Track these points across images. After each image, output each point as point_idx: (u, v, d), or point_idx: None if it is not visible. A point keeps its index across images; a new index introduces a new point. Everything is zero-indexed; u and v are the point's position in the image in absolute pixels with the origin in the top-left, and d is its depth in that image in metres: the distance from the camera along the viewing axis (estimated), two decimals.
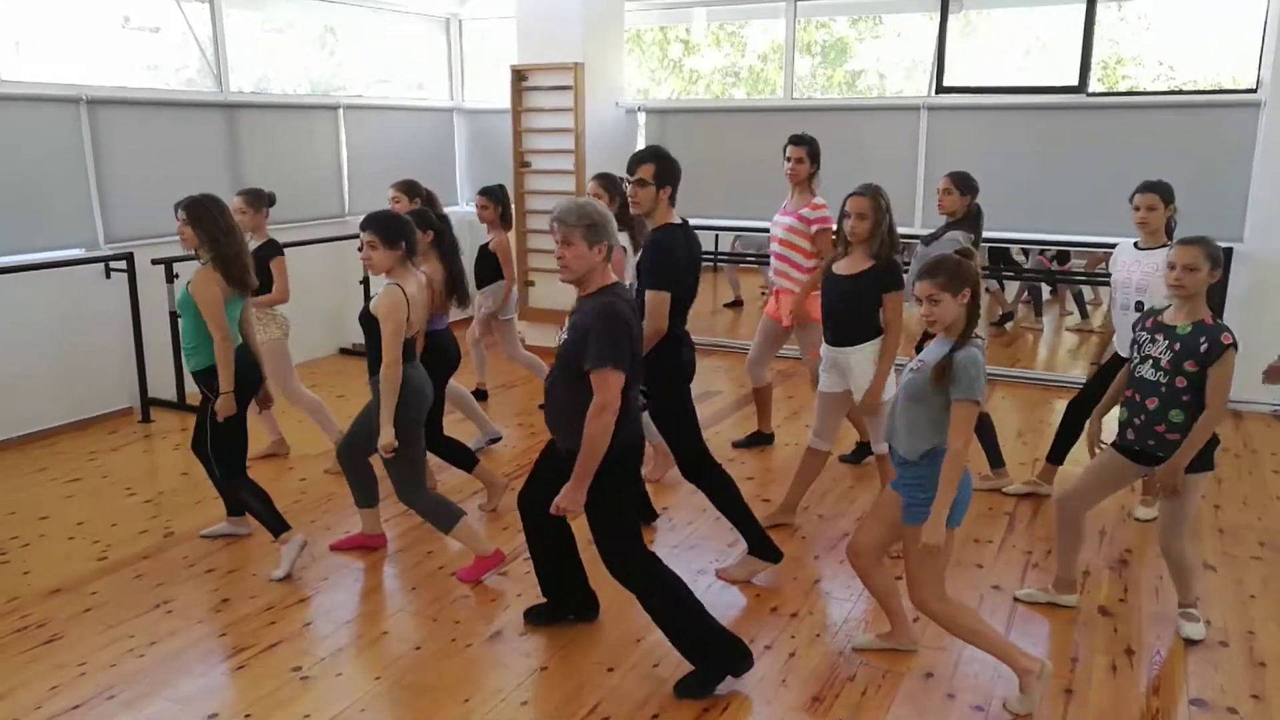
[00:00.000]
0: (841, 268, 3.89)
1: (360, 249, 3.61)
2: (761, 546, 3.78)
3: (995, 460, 4.74)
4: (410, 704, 3.00)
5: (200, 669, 3.18)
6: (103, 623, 3.47)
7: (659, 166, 3.65)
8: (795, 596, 3.68)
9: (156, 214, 5.46)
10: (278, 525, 3.84)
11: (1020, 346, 8.20)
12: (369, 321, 3.59)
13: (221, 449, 3.83)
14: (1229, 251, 6.02)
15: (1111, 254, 4.32)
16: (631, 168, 3.69)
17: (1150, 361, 3.20)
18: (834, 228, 4.15)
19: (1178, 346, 3.14)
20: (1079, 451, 4.13)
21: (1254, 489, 4.78)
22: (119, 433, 5.62)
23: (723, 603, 3.62)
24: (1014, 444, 5.41)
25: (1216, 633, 3.41)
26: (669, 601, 3.01)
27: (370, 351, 3.64)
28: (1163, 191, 4.09)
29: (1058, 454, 4.58)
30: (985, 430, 4.67)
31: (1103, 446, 3.46)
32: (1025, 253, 8.31)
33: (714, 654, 3.02)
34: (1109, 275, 4.30)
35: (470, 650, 3.30)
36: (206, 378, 3.77)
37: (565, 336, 2.95)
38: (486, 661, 3.24)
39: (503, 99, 7.82)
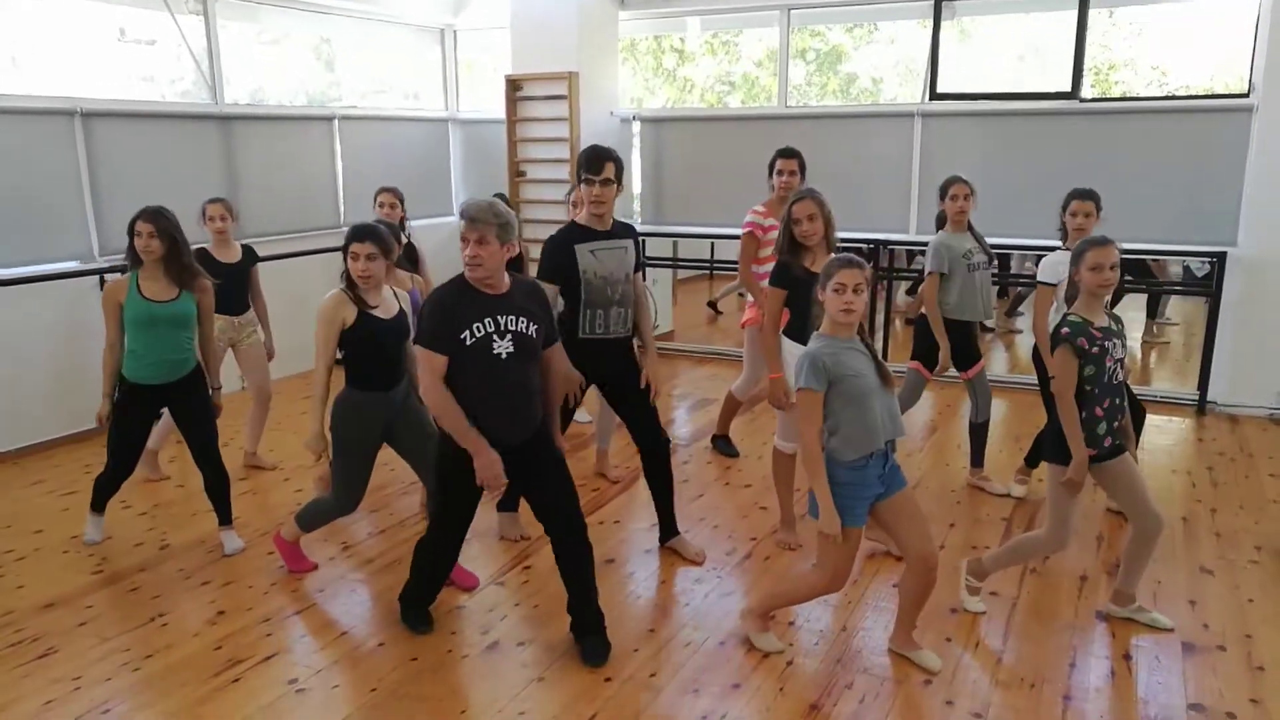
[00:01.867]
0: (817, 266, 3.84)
1: (352, 261, 3.52)
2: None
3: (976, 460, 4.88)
4: (406, 715, 2.99)
5: (195, 682, 3.16)
6: (98, 636, 3.45)
7: (619, 164, 3.79)
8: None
9: None
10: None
11: (1015, 351, 8.21)
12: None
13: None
14: (1223, 256, 6.04)
15: (1050, 268, 4.36)
16: (598, 167, 3.73)
17: (1118, 364, 3.29)
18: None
19: (1121, 341, 3.31)
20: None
21: (1250, 493, 4.78)
22: None
23: (719, 610, 3.61)
24: (1010, 450, 5.41)
25: (1214, 637, 3.41)
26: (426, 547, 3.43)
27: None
28: (1098, 198, 4.35)
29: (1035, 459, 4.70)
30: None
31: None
32: (1005, 258, 8.29)
33: (409, 601, 3.51)
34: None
35: (467, 661, 3.30)
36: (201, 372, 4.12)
37: (510, 347, 3.08)
38: (483, 672, 3.23)
39: (498, 108, 7.84)
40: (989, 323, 8.55)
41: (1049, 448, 3.38)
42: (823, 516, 2.98)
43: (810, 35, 8.97)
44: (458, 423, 3.09)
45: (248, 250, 5.03)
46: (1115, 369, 3.28)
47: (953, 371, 4.70)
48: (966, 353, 4.67)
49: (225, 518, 4.17)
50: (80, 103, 5.73)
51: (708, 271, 10.66)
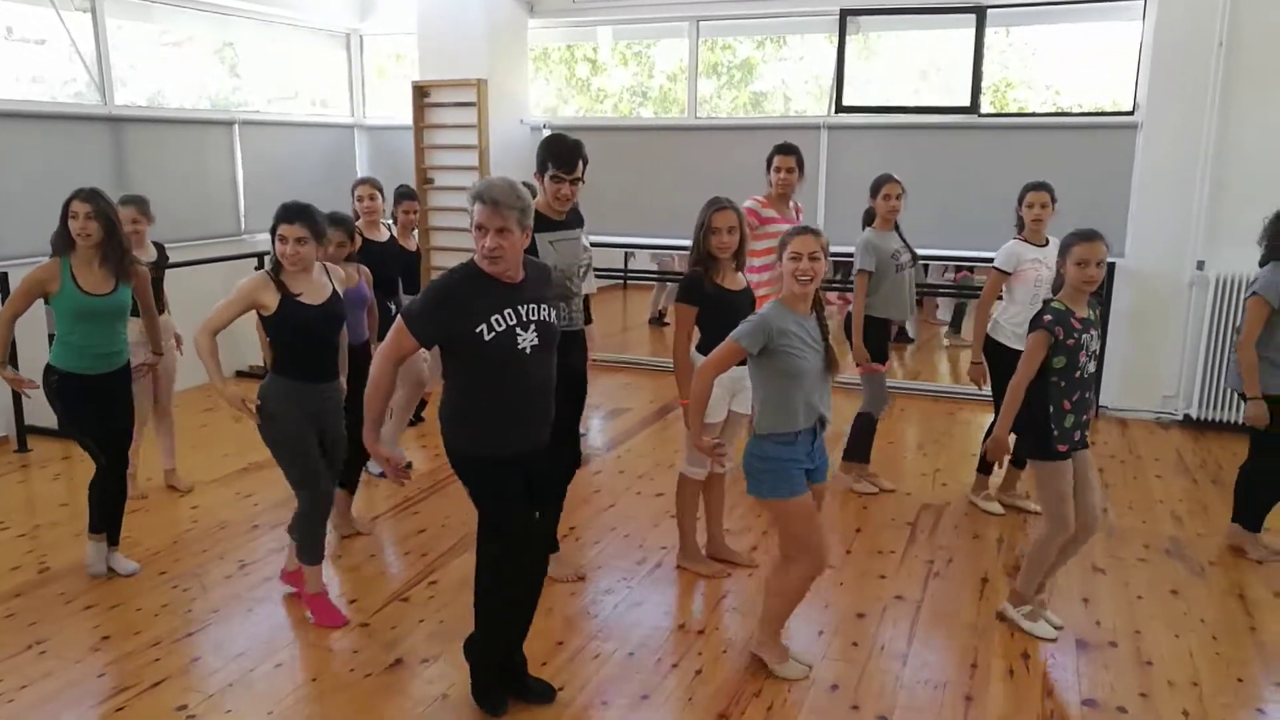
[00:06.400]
0: (733, 284, 3.74)
1: (280, 244, 3.35)
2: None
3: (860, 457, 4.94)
4: None
5: (76, 713, 2.99)
6: None
7: (587, 160, 3.65)
8: (701, 613, 3.67)
9: (31, 232, 5.16)
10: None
11: (924, 361, 8.42)
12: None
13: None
14: (1112, 266, 6.30)
15: (1007, 256, 4.51)
16: (571, 166, 3.56)
17: (1091, 357, 3.32)
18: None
19: (1096, 332, 3.35)
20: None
21: (1138, 494, 4.98)
22: None
23: (628, 621, 3.59)
24: (914, 455, 5.53)
25: (1106, 633, 3.52)
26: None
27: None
28: (1051, 190, 4.48)
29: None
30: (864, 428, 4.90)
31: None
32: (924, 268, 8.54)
33: (476, 670, 3.04)
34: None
35: (369, 680, 3.19)
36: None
37: (534, 339, 2.78)
38: (387, 691, 3.13)
39: (406, 115, 7.71)
40: (910, 333, 8.73)
41: (1022, 443, 3.45)
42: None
43: (722, 49, 9.07)
44: (375, 405, 2.84)
45: (161, 250, 4.82)
46: (1088, 363, 3.30)
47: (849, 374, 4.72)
48: (883, 350, 4.73)
49: (114, 536, 3.95)
50: None
51: (621, 281, 10.68)
